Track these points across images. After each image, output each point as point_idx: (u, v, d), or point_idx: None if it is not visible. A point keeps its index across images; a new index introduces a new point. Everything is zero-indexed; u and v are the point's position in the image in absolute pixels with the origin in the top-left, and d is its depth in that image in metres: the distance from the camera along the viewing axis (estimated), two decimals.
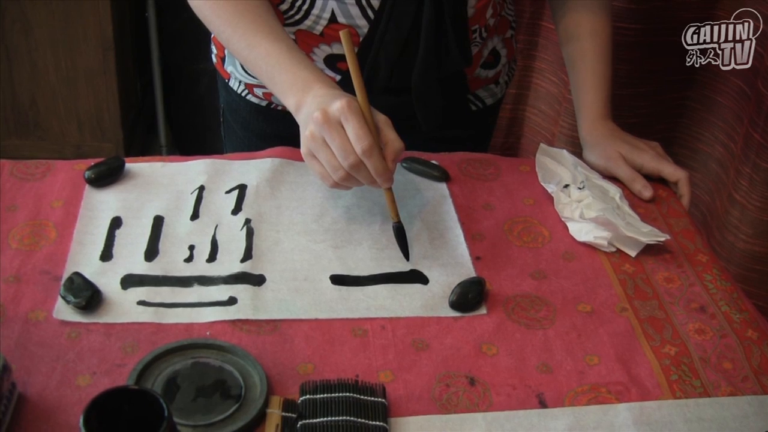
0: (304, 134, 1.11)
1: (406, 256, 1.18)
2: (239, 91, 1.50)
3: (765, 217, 1.83)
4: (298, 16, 1.32)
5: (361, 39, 1.31)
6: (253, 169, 1.30)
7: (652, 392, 1.01)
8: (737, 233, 1.89)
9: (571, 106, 1.98)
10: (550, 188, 1.31)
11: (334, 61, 1.35)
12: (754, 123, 1.78)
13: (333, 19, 1.30)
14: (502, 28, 1.47)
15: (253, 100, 1.48)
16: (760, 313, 1.16)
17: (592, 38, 1.44)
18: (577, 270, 1.19)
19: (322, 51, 1.34)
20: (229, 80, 1.51)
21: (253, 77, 1.44)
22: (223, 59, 1.50)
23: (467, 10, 1.33)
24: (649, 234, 1.23)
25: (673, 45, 1.80)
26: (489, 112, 1.57)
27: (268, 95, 1.45)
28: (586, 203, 1.26)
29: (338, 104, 1.08)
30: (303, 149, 1.12)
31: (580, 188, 1.29)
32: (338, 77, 1.36)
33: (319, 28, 1.31)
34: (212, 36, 1.49)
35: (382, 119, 1.13)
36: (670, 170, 1.35)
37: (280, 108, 1.46)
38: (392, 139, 1.12)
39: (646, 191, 1.33)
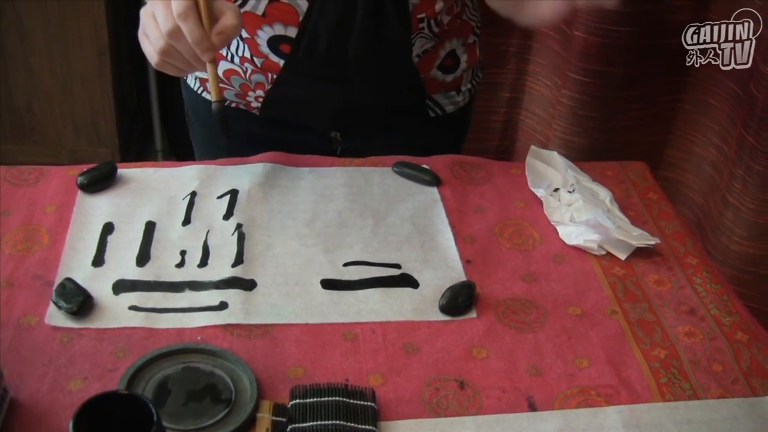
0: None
1: (225, 136, 1.16)
2: (195, 89, 1.50)
3: (759, 219, 1.84)
4: None
5: (301, 18, 1.29)
6: (244, 174, 1.30)
7: (642, 395, 1.02)
8: (731, 235, 1.89)
9: (564, 109, 1.99)
10: (540, 193, 1.31)
11: (276, 43, 1.33)
12: (747, 125, 1.78)
13: None
14: (462, 31, 1.45)
15: (208, 97, 1.47)
16: (751, 315, 1.17)
17: None
18: (568, 273, 1.19)
19: (265, 33, 1.32)
20: (187, 78, 1.51)
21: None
22: None
23: None
24: (639, 237, 1.23)
25: (666, 47, 1.81)
26: (451, 121, 1.54)
27: (221, 89, 1.43)
28: (577, 206, 1.27)
29: None
30: (139, 31, 1.13)
31: (570, 191, 1.30)
32: (281, 62, 1.35)
33: (262, 8, 1.29)
34: None
35: (228, 4, 1.10)
36: None
37: (234, 105, 1.46)
38: (228, 15, 1.09)
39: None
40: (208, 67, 1.13)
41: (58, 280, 1.09)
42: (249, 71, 1.39)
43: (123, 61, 2.96)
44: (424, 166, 1.35)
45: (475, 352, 1.05)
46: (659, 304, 1.15)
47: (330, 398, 0.95)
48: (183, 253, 1.16)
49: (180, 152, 3.10)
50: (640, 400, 1.01)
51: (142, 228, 1.20)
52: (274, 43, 1.33)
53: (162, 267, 1.14)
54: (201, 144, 1.60)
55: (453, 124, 1.55)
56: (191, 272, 1.14)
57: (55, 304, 1.05)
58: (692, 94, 2.03)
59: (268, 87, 1.40)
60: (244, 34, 1.33)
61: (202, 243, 1.18)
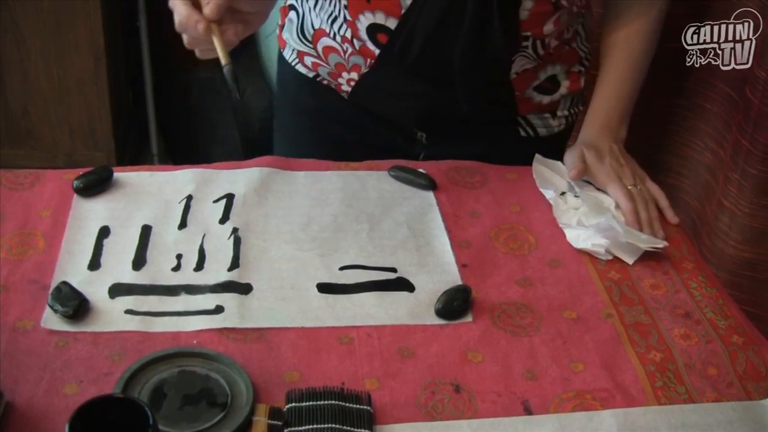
0: None
1: (238, 93, 1.17)
2: (290, 61, 1.52)
3: (754, 223, 1.84)
4: None
5: (403, 11, 1.30)
6: (240, 179, 1.30)
7: (637, 398, 1.02)
8: (726, 239, 1.90)
9: None
10: (549, 194, 1.31)
11: (374, 32, 1.34)
12: (742, 130, 1.79)
13: None
14: (568, 58, 1.44)
15: (302, 70, 1.50)
16: (746, 319, 1.17)
17: (620, 49, 1.43)
18: (563, 277, 1.20)
19: (367, 19, 1.33)
20: (284, 50, 1.53)
21: (305, 43, 1.47)
22: (282, 27, 1.53)
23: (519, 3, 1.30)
24: (647, 240, 1.23)
25: (662, 52, 1.81)
26: (543, 145, 1.47)
27: (316, 65, 1.47)
28: (584, 211, 1.27)
29: None
30: None
31: (576, 196, 1.30)
32: (377, 51, 1.36)
33: None
34: (280, 6, 1.53)
35: None
36: (613, 193, 1.33)
37: (326, 82, 1.48)
38: None
39: (571, 171, 1.34)
40: (213, 38, 1.13)
41: (53, 284, 1.09)
42: (348, 51, 1.40)
43: (119, 66, 2.96)
44: (420, 170, 1.35)
45: (470, 356, 1.06)
46: (654, 307, 1.15)
47: (326, 402, 0.95)
48: (179, 256, 1.17)
49: (176, 156, 3.10)
50: (636, 404, 1.01)
51: (138, 232, 1.20)
52: (372, 30, 1.34)
53: (158, 271, 1.14)
54: (283, 121, 1.63)
55: (544, 149, 1.46)
56: (187, 276, 1.14)
57: (51, 307, 1.05)
58: (689, 99, 2.03)
59: (363, 71, 1.41)
60: (348, 17, 1.35)
61: (198, 247, 1.18)
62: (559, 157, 1.41)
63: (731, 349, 1.10)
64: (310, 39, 1.45)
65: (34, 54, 2.76)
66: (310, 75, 1.50)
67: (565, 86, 1.47)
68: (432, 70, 1.37)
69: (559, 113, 1.50)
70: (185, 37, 1.15)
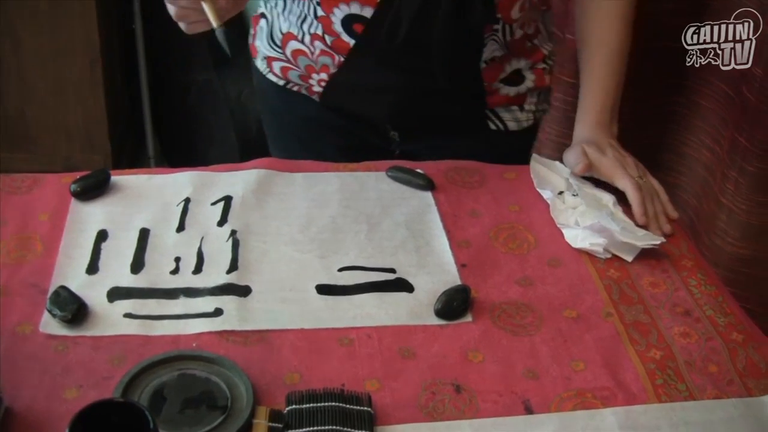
0: None
1: (230, 52, 1.18)
2: (262, 70, 1.53)
3: (751, 220, 1.84)
4: None
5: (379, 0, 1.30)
6: (238, 181, 1.30)
7: (638, 397, 1.02)
8: (724, 237, 1.90)
9: (557, 113, 1.99)
10: (546, 194, 1.31)
11: (350, 22, 1.34)
12: (739, 127, 1.79)
13: None
14: (532, 54, 1.46)
15: (272, 78, 1.51)
16: (746, 315, 1.17)
17: (599, 47, 1.43)
18: (563, 276, 1.19)
19: (342, 11, 1.33)
20: (256, 59, 1.54)
21: (275, 48, 1.48)
22: (254, 36, 1.54)
23: None
24: (644, 238, 1.23)
25: (660, 51, 1.81)
26: (513, 139, 1.52)
27: (286, 70, 1.48)
28: (581, 211, 1.27)
29: None
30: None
31: (574, 195, 1.30)
32: (352, 42, 1.36)
33: None
34: (252, 15, 1.54)
35: None
36: (621, 183, 1.33)
37: (296, 88, 1.49)
38: None
39: (578, 166, 1.34)
40: (204, 4, 1.14)
41: (52, 288, 1.09)
42: (317, 51, 1.40)
43: (115, 69, 2.96)
44: (419, 170, 1.35)
45: (470, 356, 1.05)
46: (654, 305, 1.15)
47: (326, 404, 0.95)
48: (177, 259, 1.16)
49: (172, 158, 3.10)
50: (636, 402, 1.01)
51: (136, 235, 1.20)
52: (347, 21, 1.35)
53: (156, 274, 1.14)
54: (269, 129, 1.65)
55: (515, 143, 1.51)
56: (186, 279, 1.13)
57: (50, 312, 1.05)
58: (686, 97, 2.03)
59: (332, 71, 1.41)
60: (320, 12, 1.35)
61: (196, 250, 1.18)
62: (529, 152, 1.45)
63: (731, 347, 1.10)
64: (279, 44, 1.46)
65: (30, 57, 2.76)
66: (281, 83, 1.51)
67: (530, 80, 1.48)
68: (411, 52, 1.37)
69: (526, 107, 1.52)
70: (174, 9, 1.15)
